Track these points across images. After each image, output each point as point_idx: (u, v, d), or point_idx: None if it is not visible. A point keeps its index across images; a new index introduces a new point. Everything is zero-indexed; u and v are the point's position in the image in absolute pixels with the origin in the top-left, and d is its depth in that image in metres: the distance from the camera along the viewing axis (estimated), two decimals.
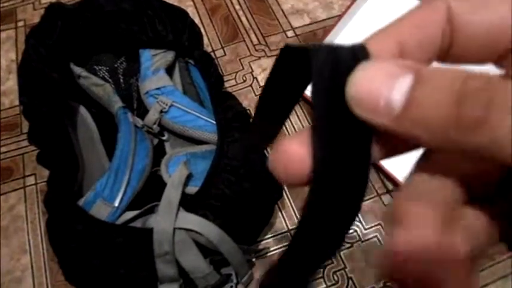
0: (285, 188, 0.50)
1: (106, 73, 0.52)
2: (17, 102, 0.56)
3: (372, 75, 0.10)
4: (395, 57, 0.11)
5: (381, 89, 0.10)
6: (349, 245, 0.47)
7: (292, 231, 0.48)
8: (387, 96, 0.10)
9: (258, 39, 0.61)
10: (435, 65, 0.12)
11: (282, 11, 0.64)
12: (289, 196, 0.50)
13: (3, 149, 0.53)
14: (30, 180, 0.51)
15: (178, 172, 0.40)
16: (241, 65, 0.59)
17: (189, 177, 0.41)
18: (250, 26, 0.62)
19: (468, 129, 0.09)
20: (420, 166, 0.13)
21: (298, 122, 0.55)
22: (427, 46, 0.12)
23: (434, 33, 0.12)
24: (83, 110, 0.49)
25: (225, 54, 0.60)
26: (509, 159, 0.09)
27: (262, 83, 0.58)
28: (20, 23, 0.63)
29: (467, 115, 0.09)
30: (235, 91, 0.57)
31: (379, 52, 0.11)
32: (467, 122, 0.09)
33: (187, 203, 0.39)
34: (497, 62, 0.12)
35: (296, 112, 0.55)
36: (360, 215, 0.49)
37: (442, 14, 0.12)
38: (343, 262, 0.47)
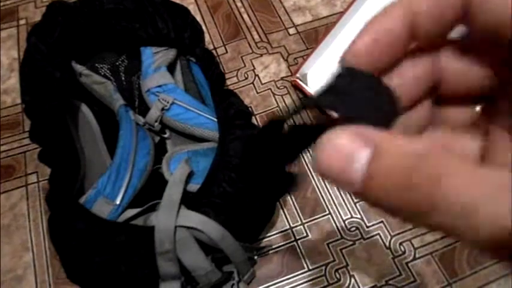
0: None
1: (107, 71, 0.52)
2: (18, 101, 0.56)
3: (334, 148, 0.11)
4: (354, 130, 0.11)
5: (340, 162, 0.11)
6: (351, 242, 0.47)
7: (294, 229, 0.48)
8: (347, 176, 0.11)
9: (259, 36, 0.61)
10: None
11: (284, 8, 0.63)
12: (291, 194, 0.50)
13: (5, 147, 0.53)
14: (32, 178, 0.51)
15: (179, 170, 0.40)
16: (243, 62, 0.59)
17: (190, 175, 0.41)
18: (252, 23, 0.62)
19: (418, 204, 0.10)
20: None
21: (298, 116, 0.55)
22: (441, 20, 0.12)
23: (450, 5, 0.12)
24: (84, 108, 0.49)
25: (227, 52, 0.60)
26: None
27: (264, 81, 0.57)
28: (22, 21, 0.63)
29: (416, 192, 0.10)
30: (236, 89, 0.57)
31: (390, 25, 0.12)
32: (417, 198, 0.10)
33: (189, 200, 0.39)
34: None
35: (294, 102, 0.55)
36: (362, 213, 0.49)
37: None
38: (345, 260, 0.46)
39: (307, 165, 0.52)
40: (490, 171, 0.10)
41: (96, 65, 0.52)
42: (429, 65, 0.14)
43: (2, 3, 0.64)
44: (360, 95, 0.13)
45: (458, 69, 0.14)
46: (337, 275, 0.46)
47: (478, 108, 0.15)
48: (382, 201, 0.10)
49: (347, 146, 0.11)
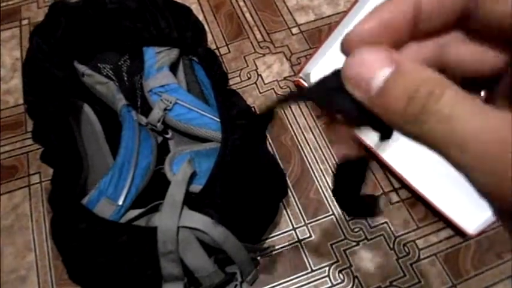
0: (290, 186, 0.50)
1: (110, 71, 0.52)
2: (21, 101, 0.56)
3: (361, 61, 0.13)
4: (385, 47, 0.13)
5: (364, 73, 0.13)
6: (355, 243, 0.47)
7: (297, 230, 0.48)
8: (367, 81, 0.13)
9: (262, 36, 0.61)
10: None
11: (287, 7, 0.63)
12: (294, 194, 0.50)
13: (8, 148, 0.53)
14: (35, 178, 0.51)
15: (182, 170, 0.40)
16: (246, 62, 0.59)
17: (193, 176, 0.41)
18: (255, 22, 0.62)
19: (408, 122, 0.12)
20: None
21: (301, 115, 0.54)
22: (444, 6, 0.14)
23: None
24: (87, 108, 0.49)
25: (229, 52, 0.60)
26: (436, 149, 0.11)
27: (266, 80, 0.57)
28: (25, 21, 0.63)
29: (408, 113, 0.12)
30: (239, 88, 0.56)
31: (394, 13, 0.14)
32: (408, 117, 0.12)
33: (192, 201, 0.39)
34: None
35: (300, 109, 0.55)
36: None
37: None
38: (348, 260, 0.46)
39: (310, 166, 0.51)
40: (498, 116, 0.10)
41: (99, 65, 0.52)
42: (434, 49, 0.15)
43: (4, 3, 0.64)
44: (347, 93, 0.14)
45: (464, 53, 0.15)
46: (341, 276, 0.46)
47: (482, 94, 0.16)
48: (384, 111, 0.12)
49: (375, 61, 0.13)
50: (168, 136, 0.48)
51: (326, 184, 0.50)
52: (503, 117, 0.10)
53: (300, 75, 0.54)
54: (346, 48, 0.14)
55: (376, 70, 0.12)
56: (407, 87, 0.12)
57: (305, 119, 0.54)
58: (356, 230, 0.48)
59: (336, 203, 0.49)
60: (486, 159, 0.10)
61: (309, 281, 0.45)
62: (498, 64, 0.14)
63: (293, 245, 0.47)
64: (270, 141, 0.53)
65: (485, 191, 0.11)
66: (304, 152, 0.52)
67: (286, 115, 0.55)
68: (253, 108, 0.55)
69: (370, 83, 0.13)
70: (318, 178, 0.51)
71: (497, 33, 0.13)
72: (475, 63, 0.14)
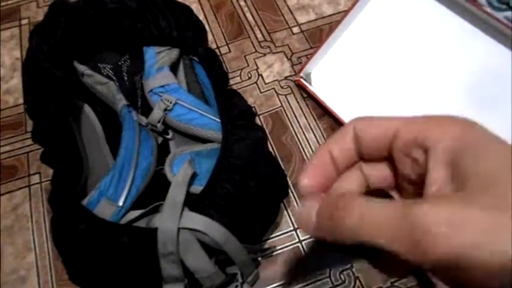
0: (291, 187, 0.50)
1: (110, 71, 0.52)
2: (21, 101, 0.56)
3: (302, 215, 0.19)
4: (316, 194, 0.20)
5: (305, 224, 0.19)
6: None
7: (298, 230, 0.48)
8: (307, 227, 0.18)
9: (263, 35, 0.61)
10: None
11: (288, 6, 0.63)
12: (295, 195, 0.50)
13: (8, 148, 0.53)
14: (35, 178, 0.51)
15: (182, 171, 0.40)
16: (246, 61, 0.59)
17: (193, 177, 0.41)
18: (256, 22, 0.62)
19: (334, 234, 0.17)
20: None
21: (302, 115, 0.54)
22: (347, 152, 0.20)
23: (348, 143, 0.20)
24: (87, 109, 0.49)
25: (230, 51, 0.60)
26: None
27: (267, 80, 0.57)
28: (24, 21, 0.63)
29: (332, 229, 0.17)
30: (240, 88, 0.56)
31: (321, 159, 0.21)
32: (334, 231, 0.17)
33: (192, 202, 0.39)
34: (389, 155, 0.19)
35: (301, 109, 0.55)
36: None
37: (351, 131, 0.20)
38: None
39: None
40: (373, 204, 0.16)
41: (99, 65, 0.51)
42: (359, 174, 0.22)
43: (3, 3, 0.64)
44: None
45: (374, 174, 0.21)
46: (342, 277, 0.45)
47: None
48: (323, 235, 0.18)
49: (308, 214, 0.18)
50: (168, 137, 0.48)
51: None
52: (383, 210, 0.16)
53: (301, 74, 0.54)
54: (302, 193, 0.20)
55: (308, 219, 0.18)
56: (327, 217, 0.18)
57: (306, 118, 0.54)
58: None
59: None
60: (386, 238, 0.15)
61: (310, 282, 0.45)
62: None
63: (294, 246, 0.47)
64: (271, 141, 0.53)
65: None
66: (305, 152, 0.52)
67: (286, 115, 0.54)
68: (253, 108, 0.55)
69: (308, 228, 0.18)
70: None
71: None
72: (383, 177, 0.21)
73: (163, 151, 0.47)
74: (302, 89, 0.55)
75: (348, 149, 0.20)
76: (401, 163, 0.19)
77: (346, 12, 0.55)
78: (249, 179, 0.39)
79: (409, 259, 0.14)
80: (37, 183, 0.51)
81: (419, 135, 0.17)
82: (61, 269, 0.46)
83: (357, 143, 0.20)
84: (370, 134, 0.19)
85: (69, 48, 0.47)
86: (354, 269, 0.46)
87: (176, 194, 0.38)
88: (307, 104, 0.55)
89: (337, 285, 0.45)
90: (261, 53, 0.59)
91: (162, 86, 0.47)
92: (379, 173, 0.21)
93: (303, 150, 0.52)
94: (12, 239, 0.47)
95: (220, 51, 0.59)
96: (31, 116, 0.44)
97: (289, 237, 0.48)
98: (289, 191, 0.49)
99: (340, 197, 0.17)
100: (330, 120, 0.54)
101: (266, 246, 0.47)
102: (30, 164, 0.52)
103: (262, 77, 0.57)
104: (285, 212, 0.49)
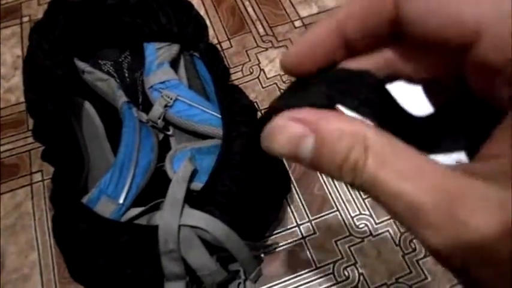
0: (294, 182, 0.49)
1: (110, 67, 0.51)
2: (23, 99, 0.56)
3: (284, 136, 0.13)
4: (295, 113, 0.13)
5: (290, 148, 0.13)
6: (360, 239, 0.46)
7: (301, 227, 0.47)
8: (295, 154, 0.13)
9: (264, 30, 0.60)
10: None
11: (289, 0, 0.62)
12: (298, 191, 0.49)
13: (10, 146, 0.53)
14: (37, 176, 0.51)
15: (183, 168, 0.39)
16: (248, 56, 0.58)
17: (194, 173, 0.40)
18: (257, 16, 0.61)
19: (345, 176, 0.12)
20: None
21: None
22: (370, 27, 0.14)
23: (378, 12, 0.13)
24: (87, 106, 0.49)
25: (231, 46, 0.59)
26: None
27: (269, 75, 0.56)
28: (25, 19, 0.63)
29: (345, 177, 0.12)
30: (241, 83, 0.56)
31: (320, 35, 0.14)
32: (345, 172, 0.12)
33: (193, 199, 0.38)
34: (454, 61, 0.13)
35: None
36: (371, 209, 0.48)
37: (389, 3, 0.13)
38: (353, 257, 0.45)
39: None
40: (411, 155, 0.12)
41: (99, 61, 0.51)
42: (379, 61, 0.15)
43: (4, 1, 0.64)
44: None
45: (407, 65, 0.15)
46: (346, 273, 0.45)
47: None
48: (322, 170, 0.13)
49: (296, 133, 0.13)
50: (169, 133, 0.48)
51: (330, 180, 0.50)
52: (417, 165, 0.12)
53: None
54: (284, 71, 0.16)
55: (299, 144, 0.13)
56: (333, 159, 0.12)
57: None
58: (361, 226, 0.47)
59: (341, 199, 0.48)
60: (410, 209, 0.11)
61: (314, 278, 0.45)
62: (441, 70, 0.14)
63: (297, 242, 0.47)
64: None
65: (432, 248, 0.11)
66: None
67: None
68: (255, 104, 0.54)
69: (298, 156, 0.13)
70: (322, 174, 0.50)
71: (425, 38, 0.13)
72: (420, 71, 0.14)
73: (164, 148, 0.46)
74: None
75: (374, 25, 0.14)
76: (472, 79, 0.13)
77: None
78: (250, 175, 0.39)
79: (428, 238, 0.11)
80: (39, 181, 0.51)
81: None
82: (64, 267, 0.46)
83: (394, 23, 0.13)
84: (433, 17, 0.12)
85: (69, 45, 0.47)
86: (358, 265, 0.45)
87: (177, 191, 0.38)
88: None
89: (341, 282, 0.45)
90: (263, 48, 0.58)
91: (163, 82, 0.47)
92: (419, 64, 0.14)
93: None
94: (14, 238, 0.47)
95: (221, 46, 0.59)
96: (32, 114, 0.44)
97: (292, 233, 0.47)
98: (292, 186, 0.49)
99: (357, 141, 0.12)
100: None
101: (269, 242, 0.46)
102: (32, 162, 0.52)
103: (264, 72, 0.57)
104: (288, 208, 0.48)
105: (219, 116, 0.44)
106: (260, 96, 0.55)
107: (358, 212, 0.48)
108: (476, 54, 0.12)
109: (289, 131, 0.13)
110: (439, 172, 0.11)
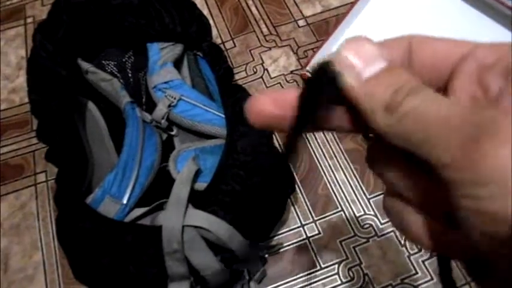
0: (298, 182, 0.49)
1: (114, 68, 0.51)
2: (27, 100, 0.56)
3: (360, 49, 0.14)
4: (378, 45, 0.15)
5: (361, 61, 0.14)
6: (364, 240, 0.46)
7: (305, 227, 0.47)
8: (361, 68, 0.14)
9: (268, 29, 0.60)
10: None
11: None
12: (302, 190, 0.49)
13: (14, 147, 0.53)
14: (41, 177, 0.51)
15: (186, 168, 0.39)
16: (252, 56, 0.58)
17: (197, 173, 0.40)
18: (261, 16, 0.61)
19: (389, 110, 0.13)
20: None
21: None
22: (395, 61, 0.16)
23: (399, 53, 0.16)
24: (91, 106, 0.49)
25: (235, 46, 0.59)
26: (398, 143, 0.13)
27: (273, 75, 0.56)
28: (29, 20, 0.63)
29: (392, 103, 0.13)
30: (245, 83, 0.56)
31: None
32: (390, 107, 0.13)
33: (197, 199, 0.38)
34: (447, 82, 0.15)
35: None
36: (375, 209, 0.47)
37: (405, 43, 0.16)
38: (358, 258, 0.45)
39: (318, 161, 0.50)
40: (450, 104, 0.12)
41: (103, 62, 0.51)
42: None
43: (8, 2, 0.64)
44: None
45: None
46: (351, 274, 0.45)
47: None
48: (371, 106, 0.14)
49: (372, 53, 0.14)
50: (172, 133, 0.48)
51: (335, 179, 0.49)
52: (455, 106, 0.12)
53: (307, 68, 0.53)
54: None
55: (371, 61, 0.14)
56: (394, 82, 0.14)
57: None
58: (366, 226, 0.47)
59: (346, 199, 0.48)
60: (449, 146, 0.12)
61: (318, 278, 0.44)
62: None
63: (301, 243, 0.46)
64: (277, 136, 0.52)
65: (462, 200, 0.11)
66: (312, 147, 0.51)
67: None
68: None
69: (362, 71, 0.14)
70: (326, 173, 0.50)
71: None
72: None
73: (167, 148, 0.46)
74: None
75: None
76: (463, 90, 0.15)
77: (352, 4, 0.54)
78: (254, 175, 0.39)
79: (445, 176, 0.12)
80: (43, 182, 0.51)
81: (503, 58, 0.14)
82: (68, 268, 0.46)
83: (407, 61, 0.16)
84: (431, 52, 0.15)
85: (73, 46, 0.47)
86: (363, 266, 0.45)
87: (180, 191, 0.38)
88: None
89: (346, 282, 0.44)
90: (267, 47, 0.58)
91: (166, 82, 0.47)
92: None
93: (310, 145, 0.51)
94: (19, 238, 0.48)
95: (225, 46, 0.59)
96: (35, 114, 0.44)
97: (296, 233, 0.47)
98: (296, 186, 0.48)
99: (416, 79, 0.14)
100: None
101: (273, 243, 0.46)
102: (37, 162, 0.52)
103: (267, 72, 0.56)
104: (292, 208, 0.48)
105: (223, 115, 0.44)
106: None
107: (363, 212, 0.47)
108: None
109: (368, 47, 0.14)
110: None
